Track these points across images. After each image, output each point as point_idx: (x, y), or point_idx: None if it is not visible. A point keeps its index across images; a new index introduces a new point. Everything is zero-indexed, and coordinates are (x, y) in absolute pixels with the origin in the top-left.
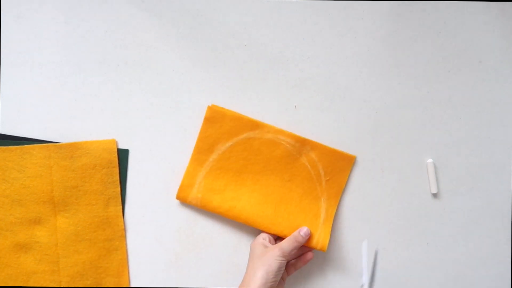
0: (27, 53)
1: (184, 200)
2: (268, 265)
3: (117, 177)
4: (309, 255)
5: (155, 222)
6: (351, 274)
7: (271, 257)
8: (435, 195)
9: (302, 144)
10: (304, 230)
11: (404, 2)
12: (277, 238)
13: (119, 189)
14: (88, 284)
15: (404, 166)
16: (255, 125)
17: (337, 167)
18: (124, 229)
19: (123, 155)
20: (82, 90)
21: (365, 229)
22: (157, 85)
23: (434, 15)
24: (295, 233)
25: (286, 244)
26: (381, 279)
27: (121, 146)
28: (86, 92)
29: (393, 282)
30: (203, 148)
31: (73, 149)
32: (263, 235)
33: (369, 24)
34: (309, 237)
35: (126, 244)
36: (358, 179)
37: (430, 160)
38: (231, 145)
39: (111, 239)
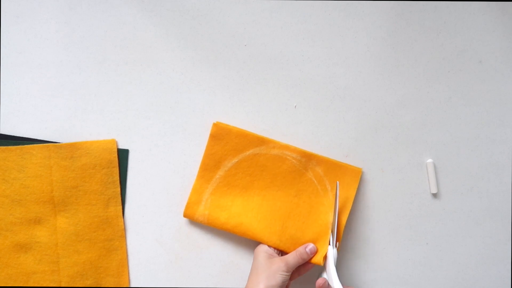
0: (27, 53)
1: (191, 218)
2: (273, 279)
3: (117, 177)
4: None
5: (155, 222)
6: (351, 273)
7: (276, 271)
8: (435, 195)
9: (308, 159)
10: (309, 247)
11: (404, 2)
12: None
13: (119, 189)
14: (88, 284)
15: (404, 166)
16: (260, 141)
17: (344, 182)
18: (124, 229)
19: (123, 155)
20: (82, 90)
21: (365, 229)
22: (157, 85)
23: (434, 15)
24: (301, 249)
25: (292, 260)
26: (381, 279)
27: (121, 146)
28: (86, 92)
29: (393, 282)
30: (209, 165)
31: (73, 149)
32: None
33: (369, 24)
34: (315, 253)
35: (126, 244)
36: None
37: (430, 160)
38: (237, 162)
39: (111, 239)
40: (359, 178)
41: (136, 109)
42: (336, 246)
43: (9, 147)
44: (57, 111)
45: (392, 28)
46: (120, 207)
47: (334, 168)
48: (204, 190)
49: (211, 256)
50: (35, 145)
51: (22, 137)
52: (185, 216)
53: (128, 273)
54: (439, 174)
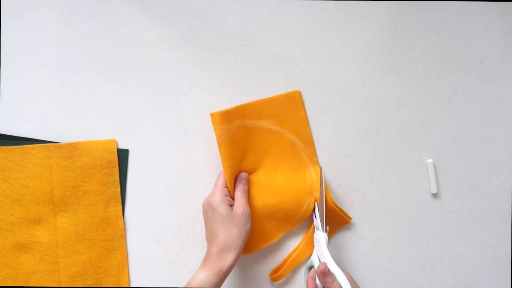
0: (27, 53)
1: None
2: (245, 230)
3: (117, 177)
4: None
5: (155, 222)
6: (351, 273)
7: (244, 220)
8: (435, 195)
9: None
10: (242, 176)
11: (404, 2)
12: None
13: (119, 189)
14: (88, 284)
15: (404, 166)
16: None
17: (287, 111)
18: (124, 229)
19: (123, 155)
20: (82, 90)
21: (365, 229)
22: (157, 85)
23: (434, 15)
24: (241, 185)
25: (244, 198)
26: (381, 279)
27: (121, 146)
28: (86, 92)
29: (393, 282)
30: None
31: (73, 149)
32: (224, 190)
33: (369, 24)
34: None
35: (126, 244)
36: (358, 179)
37: (430, 160)
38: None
39: (111, 239)
40: (299, 98)
41: (136, 109)
42: (326, 230)
43: (9, 147)
44: (57, 111)
45: (392, 28)
46: (120, 207)
47: (274, 106)
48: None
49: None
50: (35, 145)
51: (22, 137)
52: None
53: (128, 273)
54: (439, 174)
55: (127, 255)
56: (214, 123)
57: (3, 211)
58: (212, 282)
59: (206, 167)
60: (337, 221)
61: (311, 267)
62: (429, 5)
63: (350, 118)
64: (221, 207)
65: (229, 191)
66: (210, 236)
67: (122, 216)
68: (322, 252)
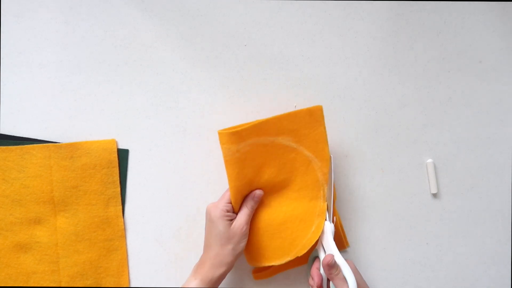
0: (27, 53)
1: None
2: (239, 247)
3: (117, 177)
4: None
5: (155, 222)
6: None
7: (240, 238)
8: (435, 195)
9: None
10: (256, 194)
11: (404, 2)
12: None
13: (119, 189)
14: (88, 284)
15: (404, 166)
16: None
17: (306, 127)
18: (124, 229)
19: (123, 155)
20: (82, 90)
21: (365, 229)
22: (157, 85)
23: (434, 15)
24: (250, 201)
25: (247, 217)
26: (381, 279)
27: (121, 146)
28: (86, 92)
29: (393, 282)
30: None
31: (73, 149)
32: (221, 204)
33: (369, 24)
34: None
35: (126, 244)
36: (358, 179)
37: (430, 160)
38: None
39: (111, 239)
40: (321, 114)
41: (136, 109)
42: (333, 221)
43: (9, 147)
44: (57, 111)
45: (392, 28)
46: (120, 207)
47: (294, 122)
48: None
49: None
50: (35, 145)
51: (22, 137)
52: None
53: (128, 273)
54: (439, 174)
55: (127, 255)
56: (221, 142)
57: (3, 211)
58: None
59: (206, 167)
60: (335, 242)
61: (315, 257)
62: (429, 5)
63: (350, 118)
64: (220, 223)
65: (233, 206)
66: (206, 244)
67: (122, 216)
68: (328, 242)
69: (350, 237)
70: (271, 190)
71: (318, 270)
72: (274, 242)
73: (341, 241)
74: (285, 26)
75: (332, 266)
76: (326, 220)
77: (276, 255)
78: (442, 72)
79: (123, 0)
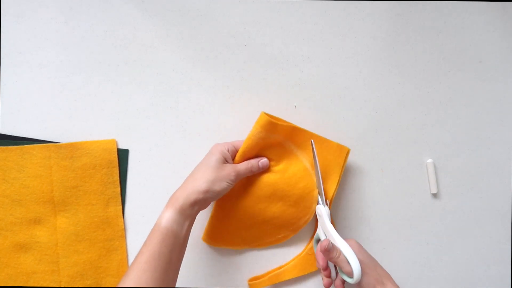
0: (27, 53)
1: None
2: (218, 185)
3: (117, 177)
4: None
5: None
6: None
7: (224, 178)
8: (435, 195)
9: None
10: (262, 161)
11: (404, 2)
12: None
13: (119, 189)
14: (88, 284)
15: (404, 166)
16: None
17: (328, 158)
18: (124, 229)
19: (123, 155)
20: (82, 90)
21: (365, 229)
22: (157, 85)
23: (434, 15)
24: (253, 161)
25: (243, 170)
26: None
27: (121, 146)
28: (86, 92)
29: None
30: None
31: (73, 149)
32: (229, 146)
33: (369, 24)
34: (267, 167)
35: (126, 244)
36: (358, 179)
37: (430, 160)
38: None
39: (111, 239)
40: (345, 157)
41: (136, 109)
42: (326, 204)
43: (9, 147)
44: (57, 111)
45: (392, 28)
46: (120, 207)
47: (321, 145)
48: None
49: (211, 256)
50: (35, 145)
51: (22, 137)
52: None
53: None
54: (439, 174)
55: (127, 255)
56: (257, 122)
57: (3, 211)
58: (176, 219)
59: None
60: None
61: (318, 240)
62: (429, 5)
63: (350, 118)
64: (216, 155)
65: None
66: (190, 174)
67: (122, 216)
68: (325, 226)
69: (350, 237)
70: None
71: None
72: (267, 227)
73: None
74: (285, 26)
75: (329, 250)
76: (320, 204)
77: (266, 234)
78: (442, 72)
79: (123, 0)
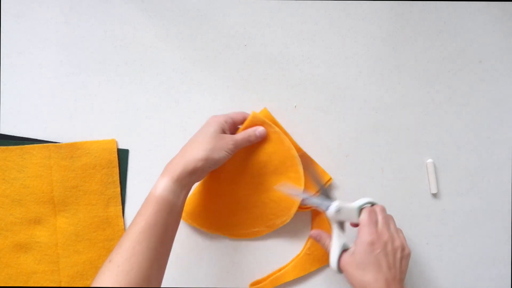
0: (27, 53)
1: None
2: (216, 153)
3: (117, 177)
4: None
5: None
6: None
7: (223, 147)
8: (435, 195)
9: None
10: (259, 130)
11: (404, 2)
12: (237, 124)
13: (119, 189)
14: (88, 284)
15: (404, 166)
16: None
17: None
18: (124, 229)
19: (123, 155)
20: (82, 90)
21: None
22: (157, 85)
23: (434, 15)
24: (250, 131)
25: (240, 139)
26: None
27: (121, 146)
28: (86, 92)
29: None
30: None
31: (73, 149)
32: (227, 118)
33: (369, 24)
34: (264, 136)
35: None
36: (358, 179)
37: (430, 160)
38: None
39: (111, 239)
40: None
41: (136, 109)
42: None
43: (9, 147)
44: (57, 111)
45: (392, 28)
46: (120, 207)
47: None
48: None
49: (211, 256)
50: (35, 145)
51: (22, 137)
52: None
53: None
54: (439, 174)
55: None
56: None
57: (3, 211)
58: (172, 189)
59: None
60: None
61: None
62: (429, 5)
63: (350, 118)
64: (214, 125)
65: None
66: (187, 143)
67: (122, 216)
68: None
69: (350, 238)
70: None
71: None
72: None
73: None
74: (285, 26)
75: (318, 240)
76: (329, 210)
77: (254, 222)
78: (442, 72)
79: (123, 0)
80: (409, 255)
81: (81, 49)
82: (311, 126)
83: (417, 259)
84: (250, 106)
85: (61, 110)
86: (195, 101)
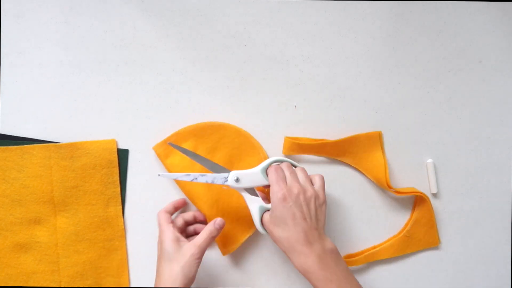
0: (27, 53)
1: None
2: (188, 269)
3: (117, 177)
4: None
5: (155, 222)
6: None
7: (191, 259)
8: (435, 195)
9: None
10: (217, 221)
11: (404, 2)
12: (191, 223)
13: (119, 189)
14: (88, 284)
15: (404, 166)
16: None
17: (364, 151)
18: (124, 229)
19: (123, 155)
20: (82, 90)
21: (366, 229)
22: (157, 85)
23: (434, 15)
24: (209, 226)
25: (202, 241)
26: (381, 279)
27: (121, 146)
28: (86, 92)
29: (393, 282)
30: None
31: (73, 149)
32: (170, 227)
33: (369, 24)
34: (223, 226)
35: (126, 244)
36: (358, 179)
37: (430, 160)
38: (220, 125)
39: (111, 239)
40: (378, 139)
41: (136, 109)
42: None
43: (9, 147)
44: (57, 111)
45: (392, 28)
46: (120, 207)
47: (352, 143)
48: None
49: (211, 256)
50: (35, 145)
51: (22, 137)
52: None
53: (128, 273)
54: (439, 174)
55: (127, 255)
56: (284, 147)
57: (3, 211)
58: None
59: None
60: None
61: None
62: (429, 5)
63: (350, 118)
64: (166, 243)
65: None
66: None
67: (122, 216)
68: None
69: (350, 238)
70: None
71: None
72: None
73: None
74: (285, 26)
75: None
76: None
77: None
78: (442, 72)
79: (123, 0)
80: (324, 202)
81: (81, 49)
82: (311, 126)
83: (417, 259)
84: (250, 106)
85: (61, 110)
86: (195, 101)
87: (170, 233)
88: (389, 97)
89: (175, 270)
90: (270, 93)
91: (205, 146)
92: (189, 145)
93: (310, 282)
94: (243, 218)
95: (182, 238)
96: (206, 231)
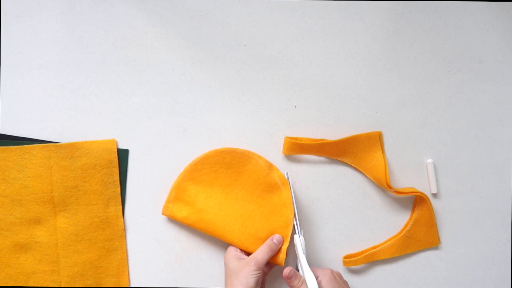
0: (27, 53)
1: (164, 213)
2: (246, 283)
3: (117, 177)
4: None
5: (155, 222)
6: (353, 273)
7: (248, 273)
8: (435, 195)
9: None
10: (276, 237)
11: (404, 2)
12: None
13: (119, 189)
14: (88, 284)
15: (404, 166)
16: None
17: (364, 151)
18: (124, 229)
19: (123, 155)
20: (82, 90)
21: (366, 229)
22: (157, 85)
23: (434, 15)
24: (269, 241)
25: (261, 256)
26: (381, 279)
27: (121, 146)
28: (86, 92)
29: (393, 282)
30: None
31: (73, 149)
32: (232, 248)
33: (369, 24)
34: (283, 242)
35: (126, 244)
36: (358, 179)
37: (430, 160)
38: (203, 157)
39: (111, 239)
40: (378, 139)
41: (136, 109)
42: (301, 233)
43: (9, 147)
44: (57, 111)
45: (392, 28)
46: (120, 207)
47: (352, 143)
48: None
49: (211, 256)
50: (35, 145)
51: (22, 137)
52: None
53: (128, 273)
54: (439, 174)
55: (127, 255)
56: (284, 147)
57: (3, 211)
58: None
59: None
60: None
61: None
62: (429, 5)
63: (350, 118)
64: (230, 262)
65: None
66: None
67: (122, 216)
68: (298, 255)
69: (350, 238)
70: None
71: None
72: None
73: (434, 237)
74: (285, 26)
75: (290, 278)
76: (296, 234)
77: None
78: (442, 72)
79: (123, 0)
80: None
81: (81, 49)
82: (311, 126)
83: (417, 259)
84: (250, 106)
85: (61, 110)
86: (195, 101)
87: (232, 251)
88: (389, 97)
89: (234, 283)
90: (270, 93)
91: (213, 186)
92: (197, 190)
93: None
94: (275, 229)
95: (243, 256)
96: (264, 245)
